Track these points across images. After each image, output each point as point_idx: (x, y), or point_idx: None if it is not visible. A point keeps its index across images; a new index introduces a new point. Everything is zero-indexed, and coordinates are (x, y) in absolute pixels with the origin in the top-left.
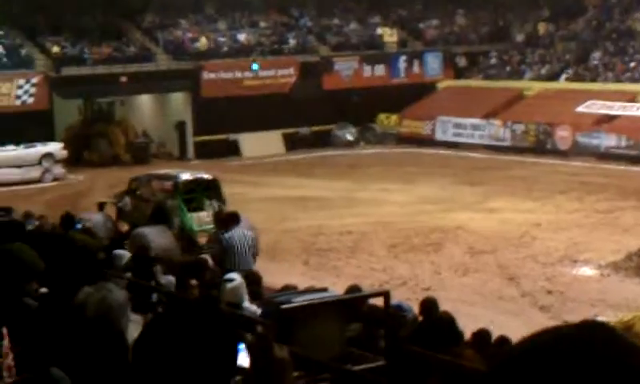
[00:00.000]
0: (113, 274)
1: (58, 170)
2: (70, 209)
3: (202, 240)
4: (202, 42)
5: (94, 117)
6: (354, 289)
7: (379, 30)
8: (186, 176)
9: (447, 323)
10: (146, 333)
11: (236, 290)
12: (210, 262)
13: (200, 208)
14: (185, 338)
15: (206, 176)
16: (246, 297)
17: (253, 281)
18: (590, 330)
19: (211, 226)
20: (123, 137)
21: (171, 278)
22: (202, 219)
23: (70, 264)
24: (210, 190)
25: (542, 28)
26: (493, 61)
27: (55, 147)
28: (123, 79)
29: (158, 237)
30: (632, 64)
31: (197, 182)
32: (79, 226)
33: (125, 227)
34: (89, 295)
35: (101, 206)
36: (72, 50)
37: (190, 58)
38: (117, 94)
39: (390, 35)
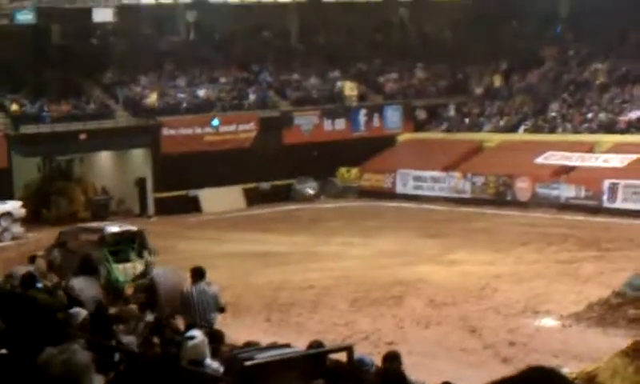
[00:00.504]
0: (73, 334)
1: (17, 228)
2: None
3: (129, 291)
4: (152, 98)
5: (52, 174)
6: (316, 344)
7: (339, 84)
8: (112, 228)
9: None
10: None
11: (197, 348)
12: (136, 310)
13: (126, 260)
14: None
15: (132, 228)
16: (208, 354)
17: (215, 338)
18: (538, 374)
19: (137, 276)
20: (82, 194)
21: (132, 338)
22: (128, 270)
23: (32, 324)
24: (135, 242)
25: (499, 80)
26: (452, 113)
27: (14, 205)
28: (82, 136)
29: (86, 288)
30: (589, 115)
31: (123, 235)
32: (39, 285)
33: (54, 279)
34: (52, 356)
35: (32, 259)
36: (31, 108)
37: (149, 115)
38: (76, 152)
39: (350, 89)
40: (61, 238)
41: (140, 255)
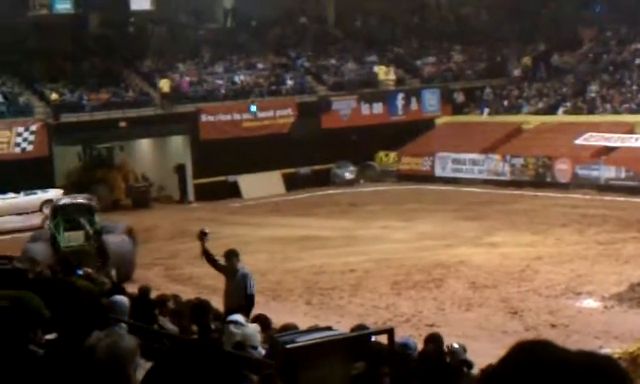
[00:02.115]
0: (116, 319)
1: None
2: None
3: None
4: (164, 85)
5: (93, 162)
6: (359, 327)
7: (376, 69)
8: (63, 200)
9: (454, 353)
10: (150, 376)
11: (247, 335)
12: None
13: (75, 229)
14: (188, 380)
15: (82, 201)
16: (259, 341)
17: (262, 324)
18: (526, 351)
19: (80, 244)
20: (123, 182)
21: (173, 327)
22: (71, 238)
23: (76, 310)
24: (86, 213)
25: (530, 61)
26: (490, 96)
27: (55, 194)
28: (122, 124)
29: (39, 252)
30: (629, 95)
31: (74, 206)
32: (80, 272)
33: None
34: (99, 339)
35: None
36: (70, 97)
37: (189, 102)
38: (116, 139)
39: (385, 73)
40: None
41: (91, 224)
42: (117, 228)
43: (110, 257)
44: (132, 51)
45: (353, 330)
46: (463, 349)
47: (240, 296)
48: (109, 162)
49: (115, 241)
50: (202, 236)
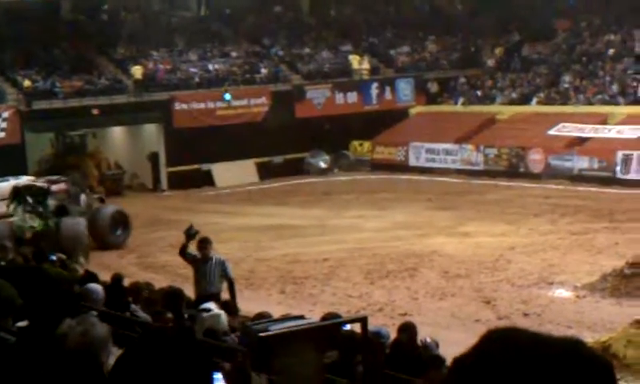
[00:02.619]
0: (88, 307)
1: None
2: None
3: (28, 235)
4: (137, 72)
5: (66, 150)
6: (331, 316)
7: (350, 58)
8: (19, 182)
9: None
10: (121, 363)
11: (215, 320)
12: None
13: (31, 211)
14: (159, 367)
15: (40, 184)
16: (227, 326)
17: (229, 310)
18: (497, 339)
19: (31, 224)
20: (96, 169)
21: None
22: (26, 219)
23: (48, 297)
24: (42, 196)
25: (501, 52)
26: (464, 86)
27: (28, 181)
28: (95, 111)
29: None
30: (602, 86)
31: (31, 189)
32: (53, 257)
33: None
34: (71, 328)
35: None
36: (43, 84)
37: (162, 89)
38: (89, 127)
39: (358, 62)
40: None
41: (45, 207)
42: (88, 212)
43: (80, 242)
44: (105, 38)
45: (325, 318)
46: (436, 344)
47: (214, 283)
48: (81, 149)
49: (68, 223)
50: (189, 235)
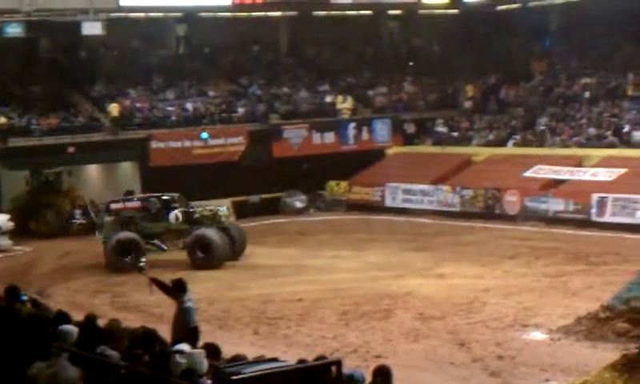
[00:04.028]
0: (60, 348)
1: (5, 241)
2: (18, 281)
3: None
4: (114, 110)
5: (40, 187)
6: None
7: (328, 98)
8: None
9: None
10: None
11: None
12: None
13: None
14: None
15: None
16: (205, 369)
17: (211, 352)
18: None
19: None
20: (70, 207)
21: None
22: None
23: (18, 339)
24: None
25: (472, 91)
26: (441, 128)
27: (2, 219)
28: (71, 149)
29: None
30: (578, 129)
31: None
32: (24, 297)
33: None
34: (40, 370)
35: None
36: (19, 121)
37: (139, 128)
38: (64, 164)
39: (341, 102)
40: None
41: None
42: None
43: None
44: (83, 76)
45: (300, 361)
46: None
47: (182, 329)
48: (57, 186)
49: None
50: (140, 270)
